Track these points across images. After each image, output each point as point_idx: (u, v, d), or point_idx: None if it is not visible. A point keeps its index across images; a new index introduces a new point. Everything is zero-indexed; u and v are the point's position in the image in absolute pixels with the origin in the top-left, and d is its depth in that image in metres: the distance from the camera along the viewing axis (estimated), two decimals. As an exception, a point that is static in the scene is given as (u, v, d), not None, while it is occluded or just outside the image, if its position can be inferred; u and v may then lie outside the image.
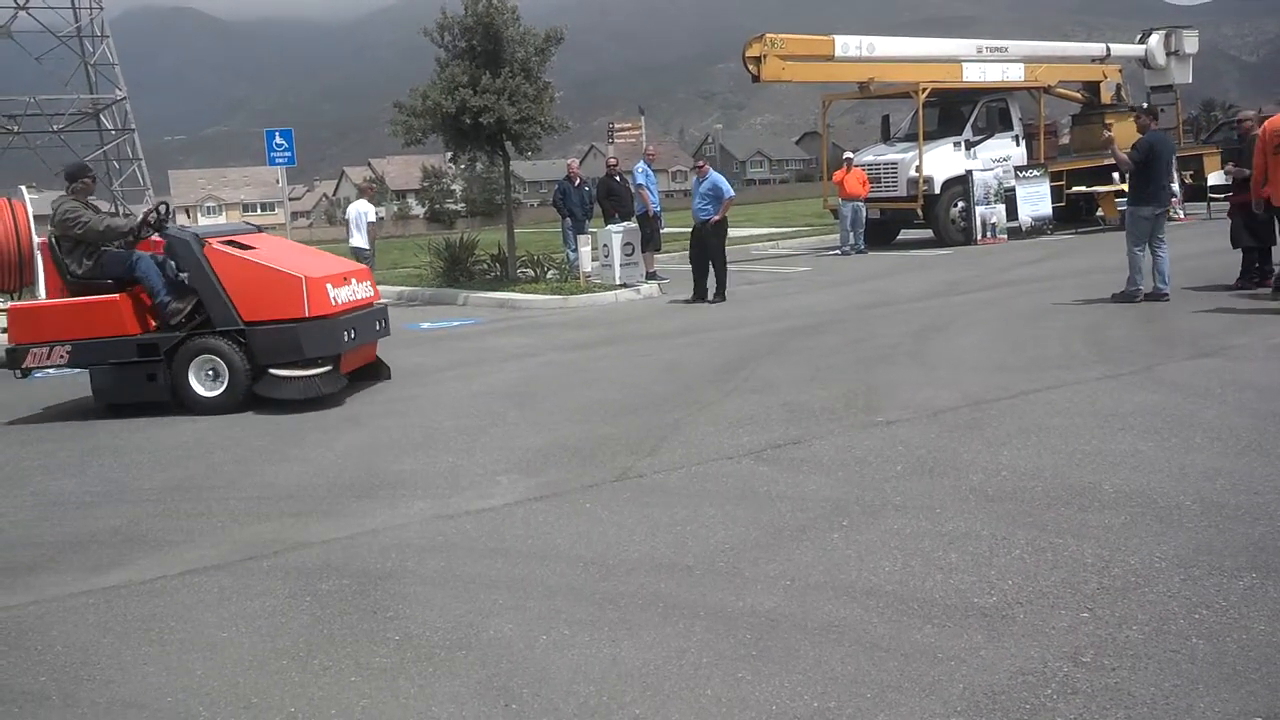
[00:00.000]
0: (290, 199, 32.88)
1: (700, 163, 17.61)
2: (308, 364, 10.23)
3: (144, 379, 10.26)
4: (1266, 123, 12.70)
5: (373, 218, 20.25)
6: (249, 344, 10.19)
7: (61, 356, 10.30)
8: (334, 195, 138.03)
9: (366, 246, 19.84)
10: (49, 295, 10.86)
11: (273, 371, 10.21)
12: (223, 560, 5.77)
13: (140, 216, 10.96)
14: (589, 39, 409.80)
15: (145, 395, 10.29)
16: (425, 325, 16.65)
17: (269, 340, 10.17)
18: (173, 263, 10.52)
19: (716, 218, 16.68)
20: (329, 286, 10.49)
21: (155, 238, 10.84)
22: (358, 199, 21.34)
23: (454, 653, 4.40)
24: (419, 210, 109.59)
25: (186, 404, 10.20)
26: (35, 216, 14.73)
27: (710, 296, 16.75)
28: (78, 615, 5.10)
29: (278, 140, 24.31)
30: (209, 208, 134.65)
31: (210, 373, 10.24)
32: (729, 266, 17.30)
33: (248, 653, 4.55)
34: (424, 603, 4.95)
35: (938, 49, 26.67)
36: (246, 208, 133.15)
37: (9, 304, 10.41)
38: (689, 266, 17.41)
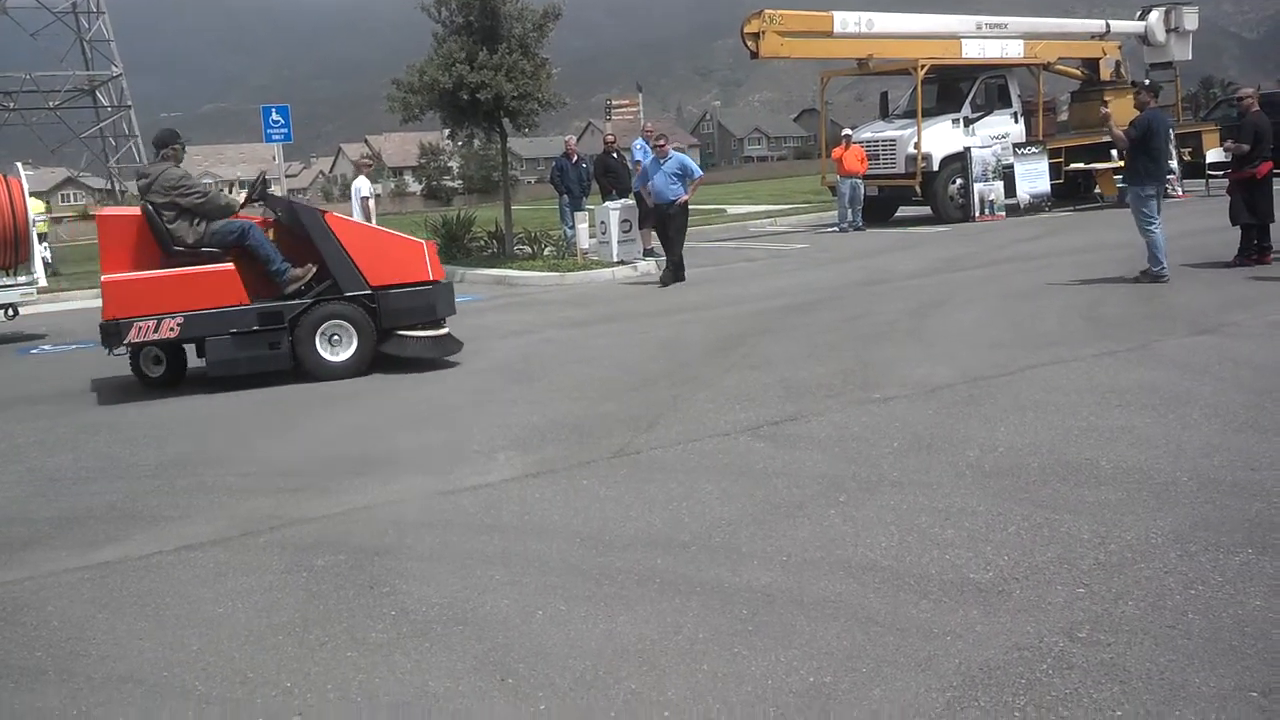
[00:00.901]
0: (287, 176, 32.80)
1: (661, 141, 17.10)
2: (432, 325, 10.64)
3: (265, 348, 10.20)
4: None
5: (366, 193, 20.15)
6: (379, 307, 10.39)
7: (172, 329, 9.96)
8: (330, 172, 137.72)
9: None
10: (125, 268, 10.24)
11: (402, 333, 10.51)
12: (219, 536, 5.77)
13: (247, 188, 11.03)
14: (587, 15, 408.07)
15: (266, 365, 10.25)
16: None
17: (401, 303, 10.46)
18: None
19: (686, 197, 16.39)
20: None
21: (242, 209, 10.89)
22: (356, 176, 21.26)
23: (450, 628, 4.40)
24: (416, 187, 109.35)
25: (311, 371, 10.26)
26: (31, 193, 14.65)
27: (662, 276, 16.39)
28: (73, 591, 5.10)
29: (274, 117, 24.20)
30: (205, 184, 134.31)
31: (334, 338, 10.34)
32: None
33: (243, 628, 4.55)
34: (420, 578, 4.95)
35: (937, 25, 26.55)
36: (243, 184, 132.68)
37: (103, 277, 10.05)
38: (686, 245, 17.32)
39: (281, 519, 6.00)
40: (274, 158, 27.26)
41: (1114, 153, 22.73)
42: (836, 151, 24.29)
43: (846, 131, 25.13)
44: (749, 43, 23.04)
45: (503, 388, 9.39)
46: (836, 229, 24.34)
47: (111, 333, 9.91)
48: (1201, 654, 3.75)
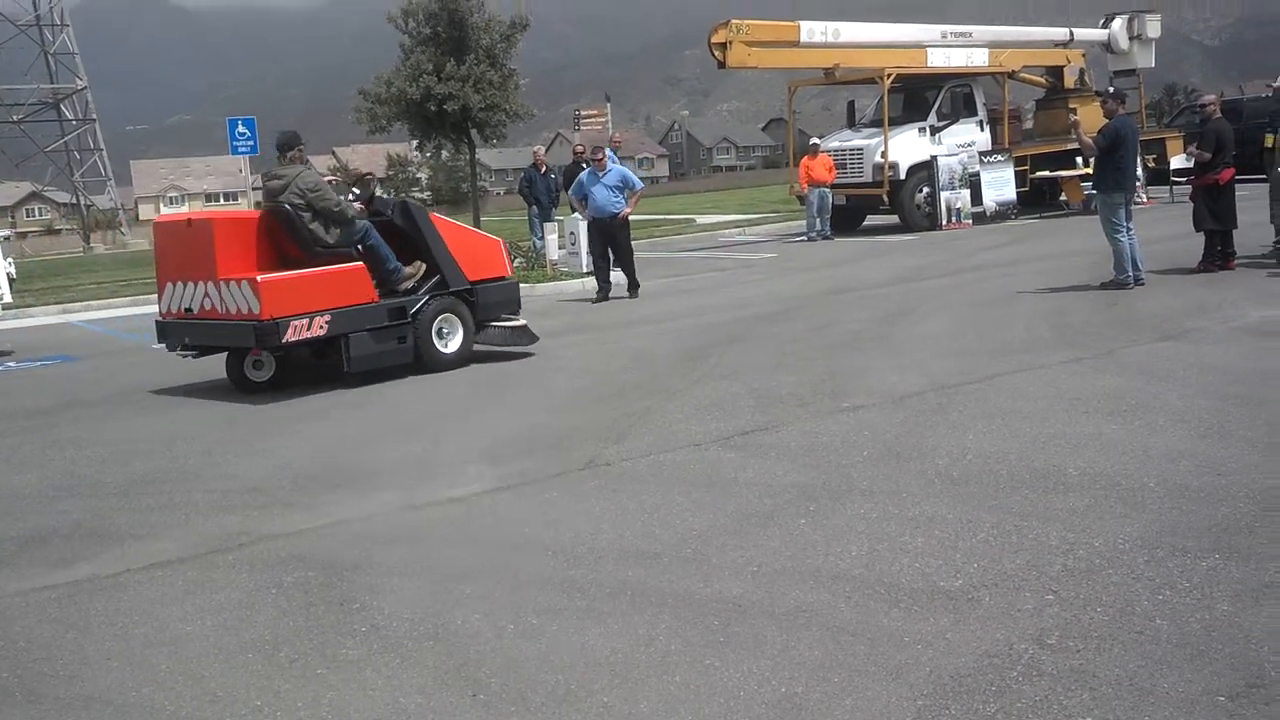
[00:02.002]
0: (254, 188, 32.61)
1: (599, 155, 16.93)
2: (512, 316, 11.54)
3: (395, 342, 10.61)
4: None
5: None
6: (476, 301, 11.16)
7: (321, 327, 10.13)
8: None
9: None
10: (249, 270, 10.22)
11: (495, 324, 11.41)
12: (187, 553, 5.73)
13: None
14: (554, 26, 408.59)
15: (395, 359, 10.64)
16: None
17: (494, 296, 11.36)
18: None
19: (628, 210, 16.27)
20: None
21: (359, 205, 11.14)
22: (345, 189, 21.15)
23: (421, 643, 4.38)
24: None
25: (429, 363, 10.78)
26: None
27: (627, 291, 16.18)
28: (40, 610, 5.05)
29: (240, 129, 24.07)
30: (171, 198, 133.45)
31: (443, 331, 10.95)
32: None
33: (213, 646, 4.52)
34: (391, 594, 4.94)
35: (902, 34, 26.70)
36: (210, 197, 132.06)
37: (259, 278, 9.87)
38: (651, 255, 17.30)
39: (251, 536, 5.96)
40: (241, 170, 27.13)
41: (1079, 160, 22.91)
42: (804, 161, 24.38)
43: (814, 140, 25.23)
44: (716, 53, 23.09)
45: (473, 400, 9.38)
46: (805, 238, 24.43)
47: (269, 332, 9.86)
48: (1170, 659, 3.78)
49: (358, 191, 11.49)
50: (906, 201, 24.09)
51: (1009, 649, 3.94)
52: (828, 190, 24.02)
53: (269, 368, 10.65)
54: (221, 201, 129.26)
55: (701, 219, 34.12)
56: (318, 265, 10.37)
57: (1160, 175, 25.68)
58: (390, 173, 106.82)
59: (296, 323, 9.95)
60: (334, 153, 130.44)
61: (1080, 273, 13.85)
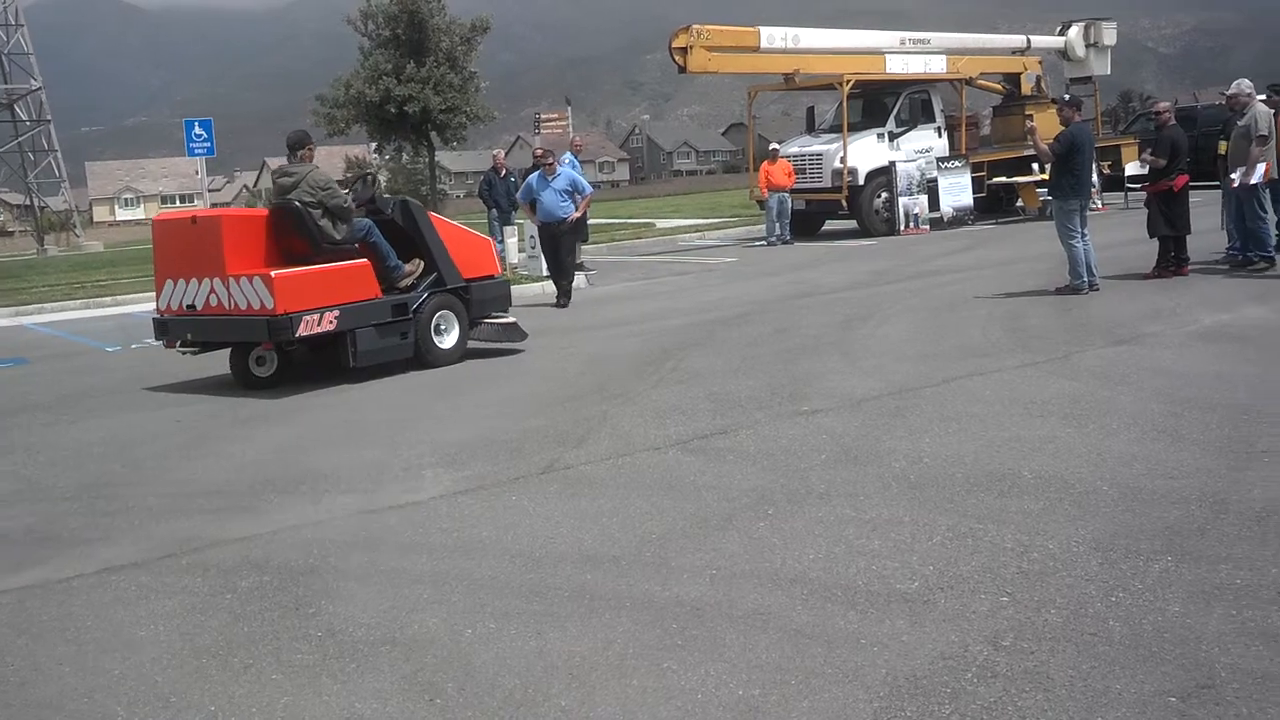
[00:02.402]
0: (210, 190, 32.38)
1: (549, 159, 16.92)
2: (502, 313, 11.92)
3: (398, 337, 10.87)
4: None
5: None
6: (469, 298, 11.50)
7: (331, 322, 10.31)
8: (255, 186, 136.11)
9: None
10: (258, 266, 10.36)
11: (487, 321, 11.77)
12: (141, 558, 5.67)
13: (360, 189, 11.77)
14: (515, 29, 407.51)
15: (398, 354, 10.90)
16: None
17: (486, 293, 11.76)
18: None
19: (576, 215, 16.24)
20: None
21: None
22: None
23: (378, 648, 4.36)
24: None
25: (428, 358, 11.06)
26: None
27: (555, 300, 16.15)
28: (-10, 617, 4.98)
29: (197, 130, 23.90)
30: (126, 199, 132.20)
31: (440, 327, 11.24)
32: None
33: (166, 651, 4.47)
34: (347, 598, 4.90)
35: (861, 41, 26.85)
36: (165, 199, 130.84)
37: (274, 273, 10.01)
38: (615, 258, 17.29)
39: (205, 540, 5.91)
40: (197, 171, 26.91)
41: (1036, 166, 23.12)
42: (764, 166, 24.46)
43: (774, 146, 25.32)
44: (677, 57, 23.13)
45: (430, 403, 9.34)
46: (765, 242, 24.50)
47: (283, 326, 9.97)
48: (1122, 660, 3.81)
49: (359, 189, 11.65)
50: (865, 207, 24.22)
51: (964, 651, 3.97)
52: (787, 195, 24.11)
53: (271, 364, 10.78)
54: (177, 203, 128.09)
55: (662, 223, 34.14)
56: (325, 261, 10.54)
57: (1115, 181, 25.97)
58: (349, 174, 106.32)
59: (308, 317, 10.11)
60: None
61: (1036, 278, 13.98)
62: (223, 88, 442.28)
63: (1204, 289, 12.37)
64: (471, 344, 11.63)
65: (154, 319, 11.17)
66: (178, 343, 10.90)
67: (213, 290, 10.35)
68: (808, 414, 7.80)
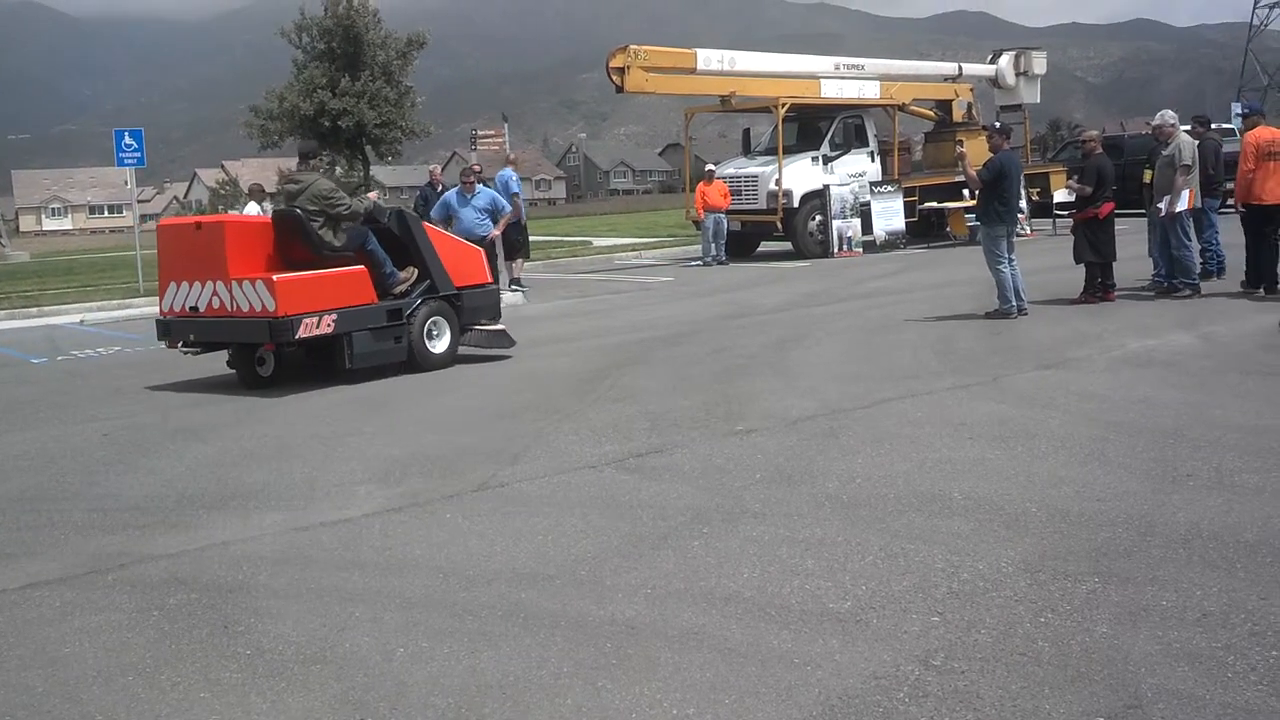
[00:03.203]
0: (139, 201, 31.88)
1: (468, 177, 16.95)
2: (491, 320, 12.41)
3: (392, 341, 11.30)
4: (1252, 133, 13.60)
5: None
6: (461, 305, 11.97)
7: (329, 325, 10.71)
8: (185, 198, 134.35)
9: None
10: (259, 270, 10.83)
11: (477, 327, 12.25)
12: (65, 573, 5.55)
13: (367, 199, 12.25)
14: (453, 45, 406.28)
15: (392, 357, 11.32)
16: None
17: (477, 301, 12.23)
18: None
19: (495, 232, 16.30)
20: None
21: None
22: (246, 202, 20.66)
23: (308, 667, 4.30)
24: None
25: (420, 362, 11.47)
26: None
27: None
28: (-95, 634, 4.85)
29: (127, 140, 23.51)
30: (54, 209, 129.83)
31: (432, 332, 11.67)
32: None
33: (92, 668, 4.38)
34: (277, 616, 4.84)
35: (797, 65, 27.13)
36: (94, 209, 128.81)
37: (275, 277, 10.47)
38: (551, 276, 17.30)
39: (132, 556, 5.80)
40: (126, 182, 26.48)
41: (966, 192, 23.48)
42: (700, 186, 24.58)
43: (710, 167, 25.46)
44: (614, 77, 23.20)
45: (363, 419, 9.25)
46: (700, 263, 24.60)
47: (284, 328, 10.40)
48: (1051, 680, 3.86)
49: (365, 197, 12.29)
50: (800, 229, 24.42)
51: (896, 670, 4.00)
52: (723, 216, 24.23)
53: (270, 364, 11.14)
54: (105, 214, 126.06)
55: (598, 241, 34.17)
56: (324, 267, 10.99)
57: (1044, 208, 26.42)
58: (348, 183, 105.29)
59: (307, 320, 10.53)
60: (223, 166, 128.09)
61: (966, 302, 14.17)
62: (154, 98, 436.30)
63: (1130, 315, 12.61)
64: (462, 350, 12.08)
65: (157, 320, 11.66)
66: (180, 343, 11.35)
67: (215, 293, 10.78)
68: (743, 434, 7.83)
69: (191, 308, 11.05)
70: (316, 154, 11.83)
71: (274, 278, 10.49)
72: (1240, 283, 13.83)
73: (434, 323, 11.70)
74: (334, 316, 10.75)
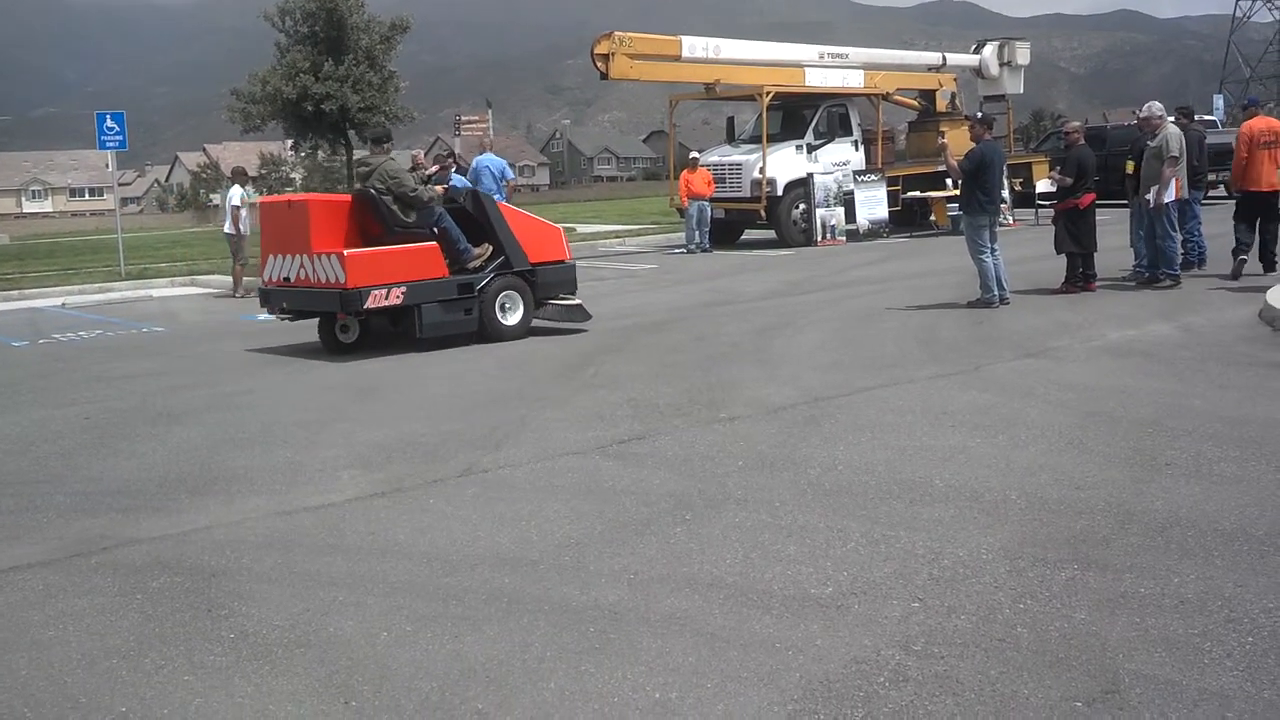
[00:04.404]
0: (121, 184, 31.71)
1: (436, 166, 16.95)
2: (568, 295, 12.94)
3: (462, 313, 11.97)
4: (1247, 123, 14.52)
5: (237, 201, 19.53)
6: (535, 280, 12.57)
7: (398, 296, 11.51)
8: (166, 181, 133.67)
9: (233, 232, 19.22)
10: (338, 245, 11.68)
11: (553, 302, 12.81)
12: (49, 557, 5.55)
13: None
14: (437, 30, 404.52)
15: (462, 328, 12.01)
16: (263, 317, 16.21)
17: (553, 277, 12.80)
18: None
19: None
20: None
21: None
22: (230, 186, 20.54)
23: (292, 651, 4.31)
24: (257, 198, 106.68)
25: (491, 333, 12.14)
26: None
27: None
28: (-113, 616, 4.84)
29: (109, 123, 23.36)
30: (34, 191, 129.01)
31: (505, 306, 12.28)
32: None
33: (75, 651, 4.39)
34: (261, 600, 4.85)
35: (781, 53, 27.12)
36: (74, 192, 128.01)
37: (345, 252, 11.40)
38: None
39: (115, 540, 5.80)
40: (107, 165, 26.34)
41: (949, 182, 23.54)
42: (684, 174, 24.59)
43: (694, 154, 25.46)
44: (599, 64, 23.18)
45: (348, 405, 9.25)
46: (684, 250, 24.62)
47: (353, 299, 11.28)
48: (1030, 666, 3.91)
49: (436, 171, 13.27)
50: (783, 217, 24.46)
51: (876, 655, 4.03)
52: (707, 204, 24.25)
53: (354, 331, 12.10)
54: (86, 197, 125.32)
55: (582, 228, 34.12)
56: (396, 243, 11.80)
57: (1026, 198, 26.50)
58: (263, 171, 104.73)
59: (376, 292, 11.34)
60: (205, 149, 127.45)
61: (948, 291, 14.22)
62: (137, 81, 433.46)
63: (1111, 305, 12.68)
64: (541, 322, 12.76)
65: (259, 289, 12.84)
66: (276, 310, 12.43)
67: (302, 265, 11.81)
68: (726, 421, 7.86)
69: (284, 278, 12.08)
70: (386, 140, 12.55)
71: (345, 252, 11.38)
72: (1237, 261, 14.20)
73: (507, 296, 12.31)
74: (403, 289, 11.50)
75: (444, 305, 11.81)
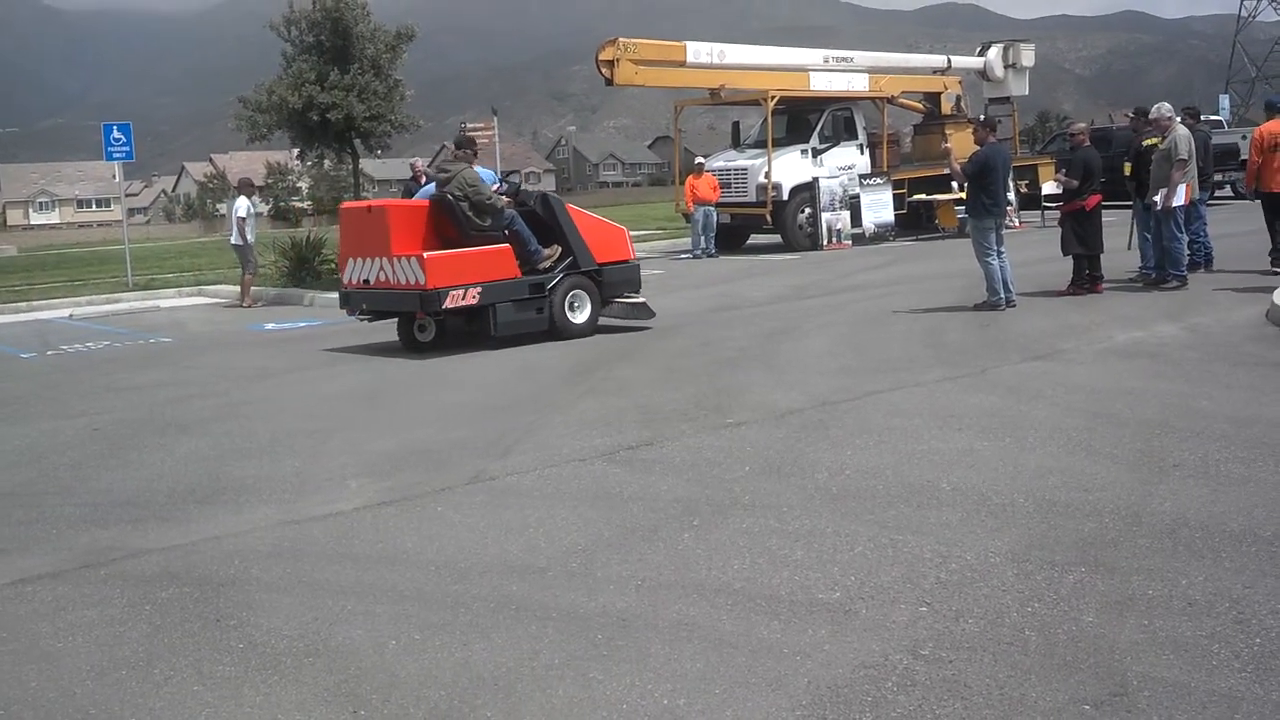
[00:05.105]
0: (127, 195, 31.82)
1: (417, 171, 17.03)
2: (633, 293, 13.39)
3: (534, 312, 12.44)
4: (1261, 126, 14.86)
5: (243, 213, 19.53)
6: (602, 280, 13.01)
7: (474, 297, 11.99)
8: (173, 191, 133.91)
9: (240, 243, 19.26)
10: (417, 248, 12.16)
11: (619, 300, 13.26)
12: (58, 568, 5.56)
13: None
14: (442, 38, 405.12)
15: (534, 326, 12.46)
16: (270, 326, 16.28)
17: (618, 276, 13.26)
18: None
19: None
20: None
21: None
22: (235, 197, 20.58)
23: (301, 660, 4.32)
24: (264, 208, 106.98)
25: (560, 331, 12.58)
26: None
27: None
28: (-102, 629, 4.85)
29: (115, 134, 23.42)
30: (42, 203, 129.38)
31: (573, 304, 12.74)
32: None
33: (85, 663, 4.40)
34: (269, 610, 4.86)
35: (786, 58, 27.16)
36: (82, 203, 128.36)
37: (425, 254, 11.91)
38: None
39: (123, 550, 5.81)
40: (114, 176, 26.41)
41: (954, 185, 23.53)
42: (690, 179, 24.61)
43: (700, 160, 25.48)
44: (604, 70, 23.24)
45: (354, 413, 9.26)
46: (690, 255, 24.64)
47: (433, 299, 11.77)
48: (1038, 669, 3.90)
49: (512, 182, 13.48)
50: (789, 222, 24.47)
51: (884, 660, 4.03)
52: (713, 209, 24.28)
53: (430, 330, 12.56)
54: (94, 208, 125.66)
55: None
56: (472, 245, 12.24)
57: (1033, 200, 26.47)
58: (269, 181, 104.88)
59: (454, 292, 11.84)
60: (211, 159, 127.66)
61: (955, 294, 14.20)
62: (142, 91, 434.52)
63: (1118, 306, 12.66)
64: (607, 320, 13.17)
65: (340, 291, 13.38)
66: (356, 311, 12.90)
67: (381, 268, 12.28)
68: (733, 426, 7.86)
69: (364, 280, 12.56)
70: (468, 146, 13.11)
71: (425, 255, 11.89)
72: (1270, 261, 14.50)
73: (575, 295, 12.75)
74: (479, 289, 11.98)
75: (516, 304, 12.29)
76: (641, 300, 13.46)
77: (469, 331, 12.60)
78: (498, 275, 12.22)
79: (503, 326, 12.21)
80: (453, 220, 12.39)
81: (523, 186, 13.79)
